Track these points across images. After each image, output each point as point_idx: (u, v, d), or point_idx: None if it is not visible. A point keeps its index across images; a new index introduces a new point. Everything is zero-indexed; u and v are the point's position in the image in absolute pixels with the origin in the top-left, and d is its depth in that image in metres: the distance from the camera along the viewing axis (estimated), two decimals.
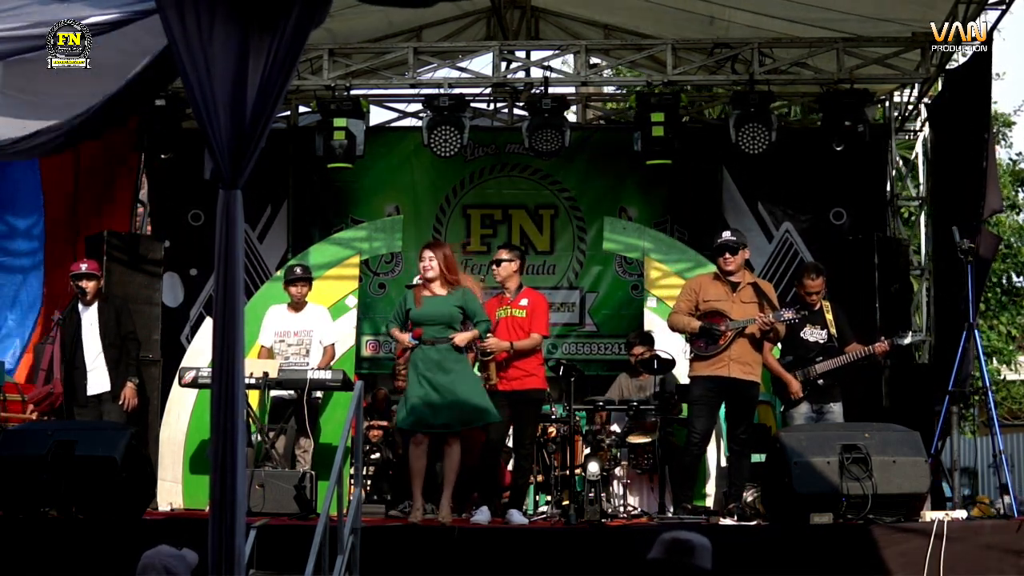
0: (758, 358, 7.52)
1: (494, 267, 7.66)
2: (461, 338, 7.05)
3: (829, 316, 7.80)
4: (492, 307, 7.56)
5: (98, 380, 8.31)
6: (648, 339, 8.73)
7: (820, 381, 7.63)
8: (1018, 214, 17.33)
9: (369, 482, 8.85)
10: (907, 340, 7.82)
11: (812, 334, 7.75)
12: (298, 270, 8.50)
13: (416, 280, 7.44)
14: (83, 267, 8.43)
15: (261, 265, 11.15)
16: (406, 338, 7.12)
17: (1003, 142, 17.88)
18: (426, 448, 7.11)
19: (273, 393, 7.91)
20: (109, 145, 10.52)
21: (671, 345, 8.40)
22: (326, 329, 8.47)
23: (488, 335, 7.26)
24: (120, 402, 8.26)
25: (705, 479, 8.39)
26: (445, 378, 6.98)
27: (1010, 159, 17.85)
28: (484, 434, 7.47)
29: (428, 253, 7.21)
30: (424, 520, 7.18)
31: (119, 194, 10.90)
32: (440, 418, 6.99)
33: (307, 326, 8.41)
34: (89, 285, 8.35)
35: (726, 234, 7.56)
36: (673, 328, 7.75)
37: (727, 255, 7.45)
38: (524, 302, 7.56)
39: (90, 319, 8.36)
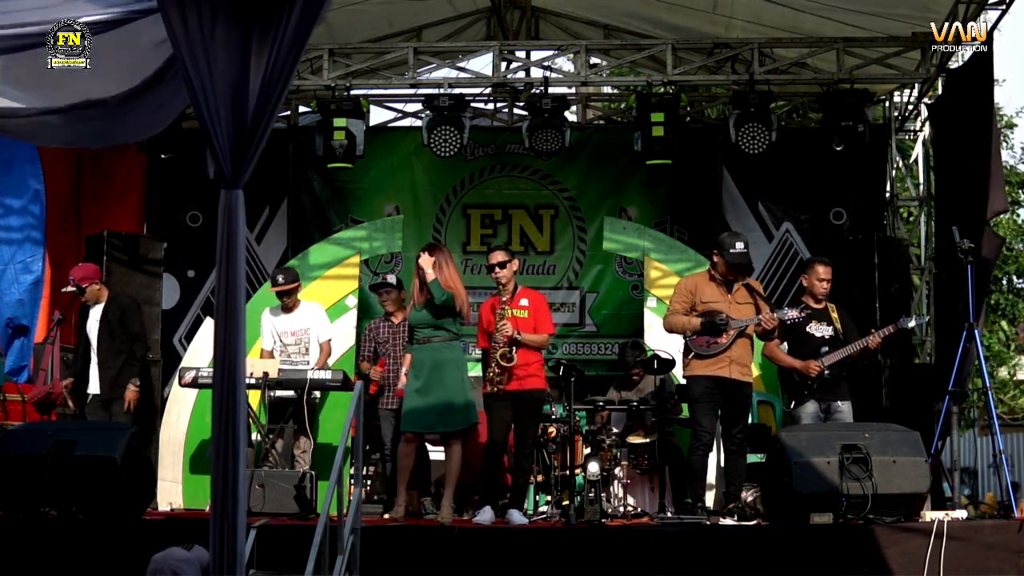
0: (752, 359, 7.54)
1: (497, 270, 7.48)
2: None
3: (834, 315, 7.79)
4: (489, 309, 7.55)
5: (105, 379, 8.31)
6: (642, 349, 8.83)
7: (827, 372, 7.58)
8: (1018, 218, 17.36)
9: (369, 482, 8.85)
10: (911, 323, 7.79)
11: (818, 330, 7.70)
12: (280, 279, 8.44)
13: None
14: (70, 278, 8.38)
15: (259, 266, 11.14)
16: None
17: (1005, 144, 17.89)
18: (415, 447, 7.29)
19: (273, 393, 7.92)
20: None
21: (671, 345, 8.41)
22: (322, 326, 8.48)
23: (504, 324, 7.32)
24: (124, 406, 8.20)
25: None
26: (435, 377, 7.12)
27: (1009, 164, 17.87)
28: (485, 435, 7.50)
29: (425, 257, 7.24)
30: (426, 520, 7.17)
31: (127, 193, 10.86)
32: (429, 419, 7.12)
33: (303, 325, 8.42)
34: (82, 297, 8.34)
35: (739, 245, 7.46)
36: (671, 329, 7.69)
37: (744, 275, 7.50)
38: (524, 302, 7.52)
39: (95, 317, 8.37)
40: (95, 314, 8.36)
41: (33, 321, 9.69)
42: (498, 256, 7.55)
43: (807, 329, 7.67)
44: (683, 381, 7.86)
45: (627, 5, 10.73)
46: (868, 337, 7.60)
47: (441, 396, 7.11)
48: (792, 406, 7.68)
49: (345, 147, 9.61)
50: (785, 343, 7.73)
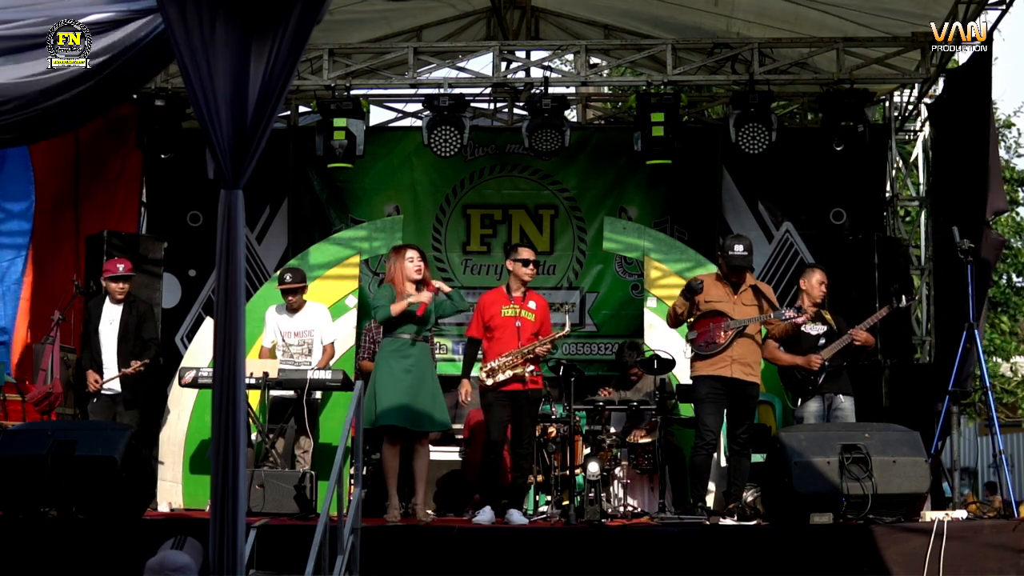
0: (758, 359, 7.54)
1: (526, 266, 7.48)
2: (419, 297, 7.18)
3: (829, 318, 7.83)
4: (495, 303, 7.53)
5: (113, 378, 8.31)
6: (639, 350, 8.83)
7: (827, 363, 7.62)
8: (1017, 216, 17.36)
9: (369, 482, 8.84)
10: (904, 303, 7.85)
11: (813, 329, 7.76)
12: (287, 277, 8.44)
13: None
14: (120, 268, 8.40)
15: (260, 266, 11.15)
16: (427, 294, 7.12)
17: (1003, 143, 17.90)
18: (399, 448, 7.26)
19: (273, 393, 7.92)
20: (110, 142, 10.53)
21: (671, 345, 8.41)
22: (326, 328, 8.49)
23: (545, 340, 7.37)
24: (129, 366, 8.18)
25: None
26: (417, 378, 7.14)
27: (1007, 162, 17.86)
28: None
29: (416, 254, 7.31)
30: (424, 520, 7.15)
31: (124, 194, 10.88)
32: (413, 417, 7.13)
33: (307, 326, 8.43)
34: (119, 287, 8.35)
35: (738, 248, 7.49)
36: (671, 324, 7.78)
37: (745, 274, 7.50)
38: (533, 305, 7.53)
39: (111, 316, 8.36)
40: (112, 313, 8.36)
41: (11, 323, 9.68)
42: (531, 254, 7.56)
43: (802, 329, 7.72)
44: (682, 381, 7.86)
45: (627, 4, 10.73)
46: (853, 330, 7.65)
47: (424, 396, 7.15)
48: (799, 403, 7.71)
49: (345, 147, 9.62)
50: (781, 346, 7.77)
